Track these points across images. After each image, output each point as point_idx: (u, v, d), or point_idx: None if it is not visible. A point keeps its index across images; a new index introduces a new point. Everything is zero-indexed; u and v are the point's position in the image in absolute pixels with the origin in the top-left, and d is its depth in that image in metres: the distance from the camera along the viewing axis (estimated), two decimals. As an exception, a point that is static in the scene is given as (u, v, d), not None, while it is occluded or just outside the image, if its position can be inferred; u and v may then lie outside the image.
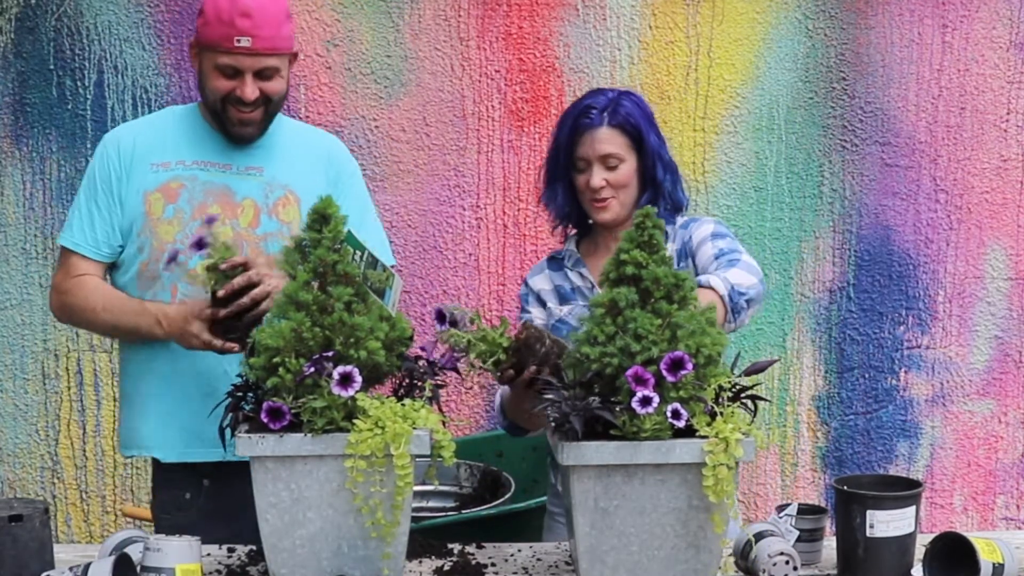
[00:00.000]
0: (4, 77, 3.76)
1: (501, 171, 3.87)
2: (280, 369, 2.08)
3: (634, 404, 2.03)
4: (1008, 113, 3.95)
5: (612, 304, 2.12)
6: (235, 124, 2.65)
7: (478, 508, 3.13)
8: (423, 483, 2.85)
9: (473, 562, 2.38)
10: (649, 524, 2.11)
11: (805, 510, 2.42)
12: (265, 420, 2.09)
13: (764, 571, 2.21)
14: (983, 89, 3.94)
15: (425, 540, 2.48)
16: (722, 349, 2.12)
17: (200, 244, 2.40)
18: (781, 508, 2.44)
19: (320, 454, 2.09)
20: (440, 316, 2.27)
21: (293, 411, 2.09)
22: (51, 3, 3.73)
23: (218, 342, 2.44)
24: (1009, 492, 4.10)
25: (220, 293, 2.41)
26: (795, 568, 2.22)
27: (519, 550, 2.49)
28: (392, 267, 2.79)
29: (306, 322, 2.10)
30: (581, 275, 2.72)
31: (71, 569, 2.10)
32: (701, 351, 2.08)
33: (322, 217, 2.17)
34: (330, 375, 2.07)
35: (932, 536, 2.31)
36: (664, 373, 2.03)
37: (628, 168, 2.64)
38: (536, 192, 2.85)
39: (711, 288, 2.43)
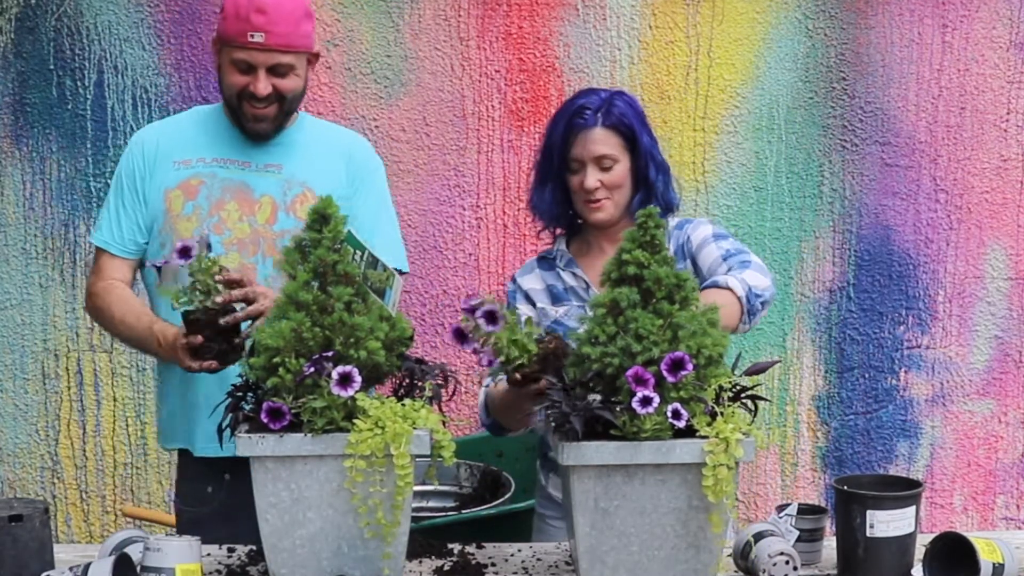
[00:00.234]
0: (4, 77, 3.76)
1: (501, 171, 3.87)
2: (280, 369, 2.08)
3: (634, 404, 2.03)
4: (1008, 113, 3.95)
5: (613, 304, 2.12)
6: (249, 120, 2.68)
7: (478, 508, 3.13)
8: (423, 483, 2.85)
9: (473, 562, 2.38)
10: (649, 524, 2.11)
11: (805, 510, 2.42)
12: (265, 420, 2.09)
13: (764, 571, 2.21)
14: (983, 89, 3.94)
15: (425, 540, 2.48)
16: (723, 350, 2.12)
17: (185, 252, 2.38)
18: (781, 508, 2.44)
19: (320, 454, 2.09)
20: (462, 336, 2.24)
21: (293, 411, 2.09)
22: (51, 3, 3.73)
23: (195, 364, 2.43)
24: (1009, 492, 4.10)
25: (219, 299, 2.41)
26: (795, 568, 2.22)
27: (519, 550, 2.49)
28: (403, 273, 2.81)
29: (306, 322, 2.10)
30: (575, 275, 2.71)
31: (71, 569, 2.10)
32: (702, 352, 2.08)
33: (322, 217, 2.17)
34: (330, 375, 2.07)
35: (932, 536, 2.31)
36: (664, 373, 2.03)
37: (622, 169, 2.64)
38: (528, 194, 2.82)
39: (730, 289, 2.44)
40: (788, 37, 3.88)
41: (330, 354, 2.09)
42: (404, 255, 2.86)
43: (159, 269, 2.53)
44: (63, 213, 3.81)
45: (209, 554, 2.39)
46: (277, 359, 2.09)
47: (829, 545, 2.43)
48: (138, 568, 2.13)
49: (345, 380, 2.07)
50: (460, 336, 2.24)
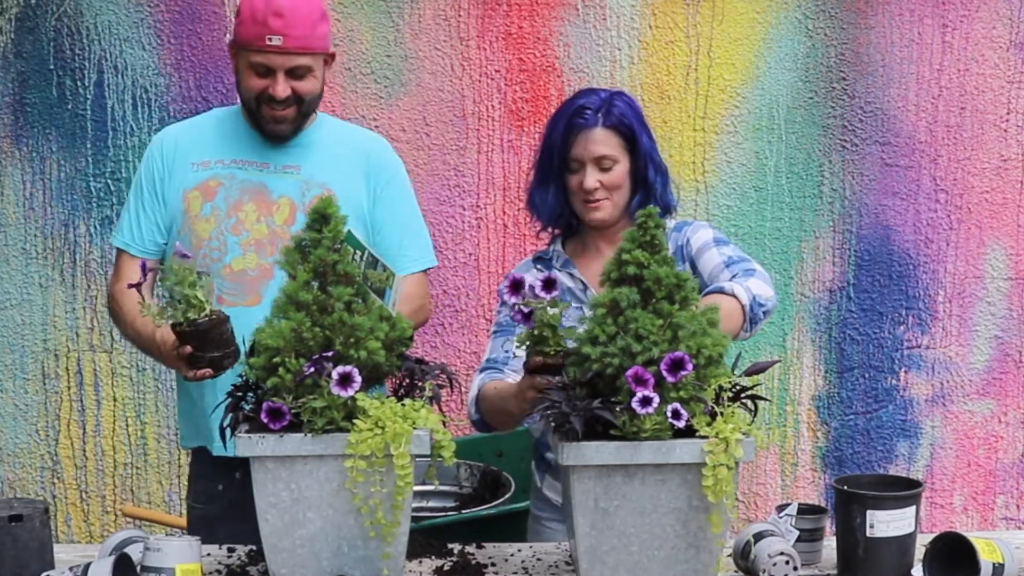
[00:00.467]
0: (4, 77, 3.76)
1: (501, 171, 3.87)
2: (280, 369, 2.08)
3: (634, 404, 2.03)
4: (1008, 113, 3.95)
5: (613, 304, 2.12)
6: (268, 122, 2.69)
7: (478, 508, 3.13)
8: (423, 483, 2.85)
9: (473, 562, 2.38)
10: (649, 524, 2.11)
11: (805, 510, 2.42)
12: (265, 420, 2.09)
13: (764, 571, 2.21)
14: (983, 89, 3.94)
15: (425, 540, 2.48)
16: (723, 350, 2.12)
17: (140, 274, 2.38)
18: (781, 508, 2.44)
19: (320, 454, 2.09)
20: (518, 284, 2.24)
21: (293, 411, 2.09)
22: (51, 3, 3.73)
23: (190, 373, 2.42)
24: (1009, 492, 4.10)
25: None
26: (795, 568, 2.22)
27: (519, 550, 2.49)
28: (427, 270, 2.83)
29: (306, 322, 2.10)
30: (571, 275, 2.71)
31: (71, 569, 2.10)
32: (702, 352, 2.08)
33: (322, 217, 2.17)
34: (330, 375, 2.07)
35: (932, 536, 2.31)
36: (664, 374, 2.03)
37: (621, 169, 2.63)
38: (526, 193, 2.82)
39: (734, 296, 2.44)
40: (788, 37, 3.88)
41: (330, 354, 2.09)
42: (431, 250, 2.89)
43: (138, 288, 2.47)
44: (63, 213, 3.81)
45: (209, 554, 2.40)
46: (277, 359, 2.09)
47: (829, 545, 2.43)
48: (138, 568, 2.13)
49: (345, 380, 2.07)
50: (517, 286, 2.24)
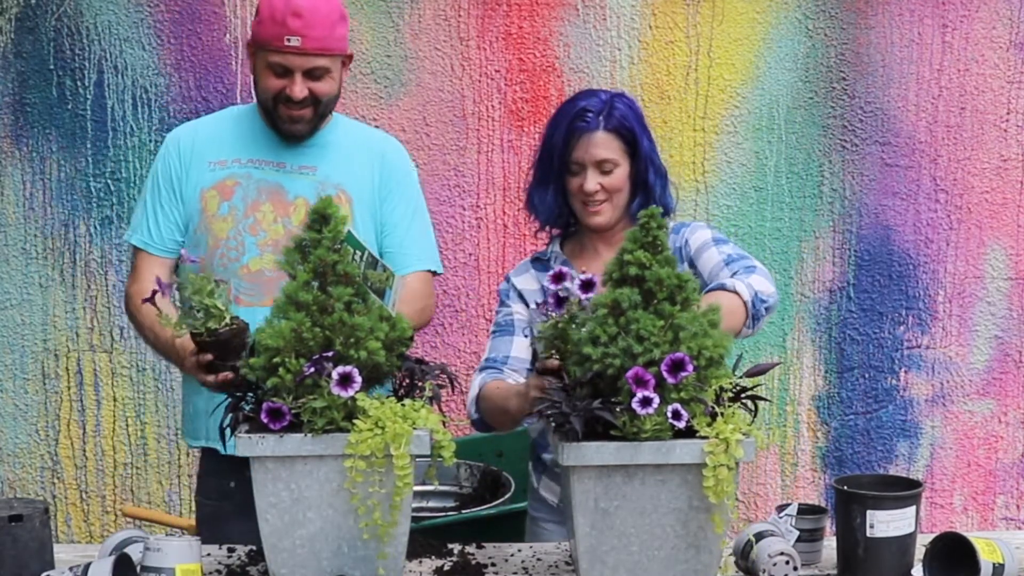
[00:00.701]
0: (4, 77, 3.76)
1: (501, 171, 3.87)
2: (280, 369, 2.08)
3: (634, 404, 2.03)
4: (1008, 113, 3.95)
5: (615, 304, 2.12)
6: (285, 122, 2.69)
7: (478, 508, 3.13)
8: (423, 483, 2.85)
9: (473, 562, 2.38)
10: (649, 524, 2.11)
11: (805, 510, 2.42)
12: (265, 420, 2.09)
13: (764, 571, 2.21)
14: (983, 89, 3.94)
15: (425, 540, 2.48)
16: (724, 352, 2.11)
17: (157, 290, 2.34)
18: (781, 508, 2.44)
19: (320, 454, 2.09)
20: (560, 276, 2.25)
21: (293, 411, 2.09)
22: (51, 3, 3.73)
23: (210, 379, 2.39)
24: (1009, 492, 4.10)
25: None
26: (795, 568, 2.22)
27: (519, 550, 2.49)
28: (436, 274, 2.83)
29: (306, 322, 2.10)
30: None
31: (71, 569, 2.10)
32: (703, 353, 2.07)
33: (322, 217, 2.17)
34: (330, 375, 2.07)
35: (932, 536, 2.31)
36: (664, 375, 2.03)
37: (622, 172, 2.63)
38: (525, 193, 2.82)
39: (736, 293, 2.43)
40: (788, 37, 3.88)
41: (330, 354, 2.09)
42: (437, 256, 2.89)
43: (151, 300, 2.44)
44: (63, 213, 3.81)
45: (209, 554, 2.40)
46: (277, 359, 2.09)
47: (829, 545, 2.43)
48: (138, 568, 2.13)
49: (345, 380, 2.07)
50: (559, 277, 2.24)
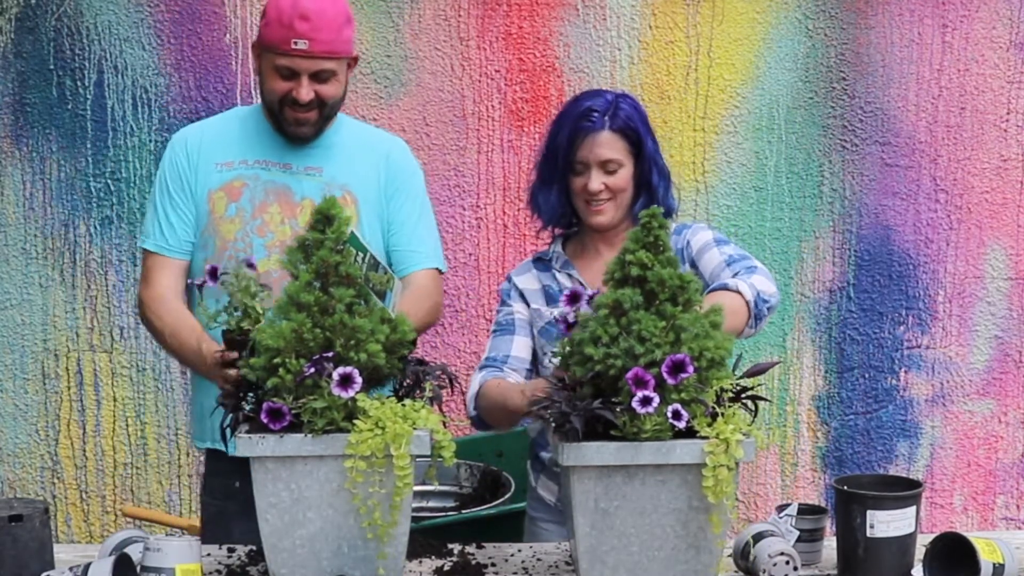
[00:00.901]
0: (4, 77, 3.76)
1: (501, 171, 3.87)
2: (280, 370, 2.08)
3: (634, 404, 2.03)
4: (1008, 113, 3.95)
5: (616, 305, 2.12)
6: (291, 124, 2.69)
7: (478, 508, 3.13)
8: (423, 483, 2.85)
9: (473, 562, 2.38)
10: (649, 525, 2.11)
11: (805, 510, 2.42)
12: (265, 420, 2.09)
13: (764, 571, 2.21)
14: (983, 89, 3.94)
15: (425, 540, 2.48)
16: (726, 353, 2.11)
17: (213, 274, 2.36)
18: (781, 508, 2.44)
19: (320, 454, 2.09)
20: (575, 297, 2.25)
21: (293, 411, 2.09)
22: (51, 3, 3.73)
23: (232, 372, 2.34)
24: (1009, 492, 4.10)
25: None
26: (795, 568, 2.22)
27: (519, 550, 2.49)
28: (441, 272, 2.83)
29: (307, 323, 2.10)
30: (570, 276, 2.71)
31: (71, 569, 2.10)
32: (704, 354, 2.07)
33: (325, 218, 2.17)
34: (330, 376, 2.07)
35: (932, 536, 2.31)
36: (665, 376, 2.03)
37: (626, 173, 2.63)
38: (528, 193, 2.82)
39: (738, 293, 2.44)
40: (788, 37, 3.88)
41: (330, 354, 2.08)
42: (442, 255, 2.89)
43: (200, 288, 2.48)
44: (63, 213, 3.81)
45: (209, 554, 2.40)
46: (278, 360, 2.09)
47: (829, 545, 2.43)
48: (138, 568, 2.13)
49: (346, 381, 2.07)
50: (575, 298, 2.23)
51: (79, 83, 3.77)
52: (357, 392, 2.07)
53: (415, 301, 2.66)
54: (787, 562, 2.21)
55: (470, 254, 3.89)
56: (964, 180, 3.97)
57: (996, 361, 4.04)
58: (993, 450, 4.07)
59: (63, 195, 3.81)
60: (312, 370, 2.07)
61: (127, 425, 3.89)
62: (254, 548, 2.41)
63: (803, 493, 4.03)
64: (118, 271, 3.82)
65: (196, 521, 3.30)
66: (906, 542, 2.30)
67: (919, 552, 2.31)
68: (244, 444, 2.09)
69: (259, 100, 2.81)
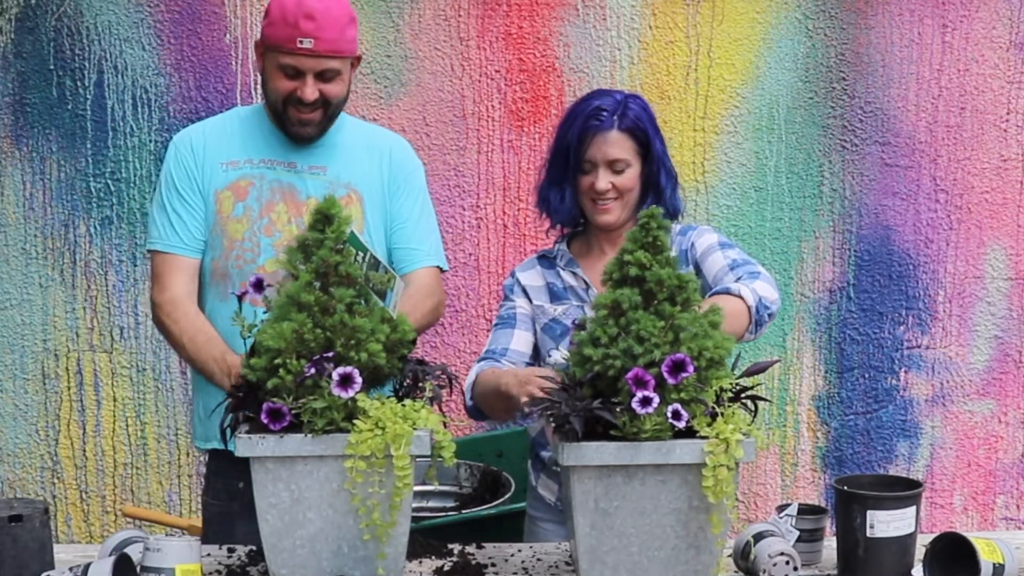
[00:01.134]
0: (4, 77, 3.76)
1: (501, 171, 3.87)
2: (281, 370, 2.08)
3: (634, 404, 2.03)
4: (1008, 113, 3.95)
5: (615, 305, 2.12)
6: (295, 124, 2.69)
7: (478, 508, 3.13)
8: (423, 483, 2.86)
9: (473, 562, 2.38)
10: (649, 525, 2.11)
11: (805, 510, 2.42)
12: (265, 421, 2.09)
13: (764, 571, 2.21)
14: (983, 89, 3.94)
15: (425, 540, 2.48)
16: (725, 353, 2.11)
17: (258, 285, 2.31)
18: (781, 508, 2.44)
19: (320, 454, 2.09)
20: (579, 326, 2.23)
21: (293, 412, 2.09)
22: (51, 3, 3.73)
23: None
24: (1009, 492, 4.10)
25: None
26: (795, 568, 2.22)
27: (519, 550, 2.49)
28: (443, 271, 2.83)
29: (307, 323, 2.10)
30: (575, 274, 2.71)
31: (71, 569, 2.10)
32: (703, 354, 2.07)
33: (325, 217, 2.17)
34: (330, 376, 2.07)
35: (932, 536, 2.31)
36: (665, 375, 2.03)
37: (633, 173, 2.63)
38: (536, 192, 2.82)
39: (741, 298, 2.44)
40: (788, 37, 3.88)
41: (331, 355, 2.08)
42: (443, 253, 2.89)
43: (239, 298, 2.44)
44: (63, 213, 3.81)
45: (209, 554, 2.40)
46: (278, 360, 2.09)
47: (829, 545, 2.43)
48: (138, 568, 2.13)
49: (346, 381, 2.07)
50: (582, 327, 2.22)
51: (79, 83, 3.77)
52: (357, 392, 2.07)
53: (417, 300, 2.66)
54: (787, 562, 2.21)
55: (470, 254, 3.89)
56: (964, 180, 3.97)
57: (996, 361, 4.04)
58: (993, 450, 4.07)
59: (63, 195, 3.81)
60: (312, 370, 2.07)
61: (127, 425, 3.89)
62: (254, 548, 2.41)
63: (803, 493, 4.03)
64: (118, 271, 3.82)
65: (196, 521, 3.30)
66: (906, 542, 2.30)
67: (919, 552, 2.31)
68: (244, 444, 2.09)
69: (260, 100, 2.81)
